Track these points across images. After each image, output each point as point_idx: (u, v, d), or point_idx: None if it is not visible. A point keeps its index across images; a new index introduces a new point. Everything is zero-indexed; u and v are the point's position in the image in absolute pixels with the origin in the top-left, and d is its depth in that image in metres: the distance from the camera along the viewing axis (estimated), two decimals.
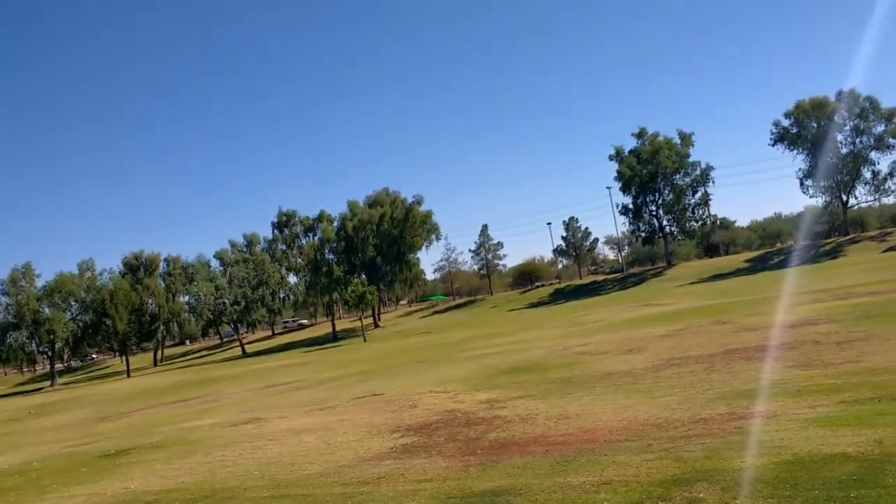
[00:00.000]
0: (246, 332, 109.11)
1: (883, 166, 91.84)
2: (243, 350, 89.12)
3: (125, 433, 21.57)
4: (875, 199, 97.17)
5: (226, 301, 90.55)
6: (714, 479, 7.53)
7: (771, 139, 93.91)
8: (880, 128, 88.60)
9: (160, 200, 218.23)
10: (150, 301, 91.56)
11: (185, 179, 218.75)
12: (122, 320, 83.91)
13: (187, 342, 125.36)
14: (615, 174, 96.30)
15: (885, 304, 23.17)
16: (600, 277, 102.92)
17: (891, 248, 71.64)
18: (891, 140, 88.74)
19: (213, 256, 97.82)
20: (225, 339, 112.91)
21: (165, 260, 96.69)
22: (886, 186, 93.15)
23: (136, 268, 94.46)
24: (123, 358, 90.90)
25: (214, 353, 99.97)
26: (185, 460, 13.99)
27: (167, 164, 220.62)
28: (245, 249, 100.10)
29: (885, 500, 6.24)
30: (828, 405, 10.48)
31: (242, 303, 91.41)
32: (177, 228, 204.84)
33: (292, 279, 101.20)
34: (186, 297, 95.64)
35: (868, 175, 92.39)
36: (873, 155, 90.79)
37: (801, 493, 6.70)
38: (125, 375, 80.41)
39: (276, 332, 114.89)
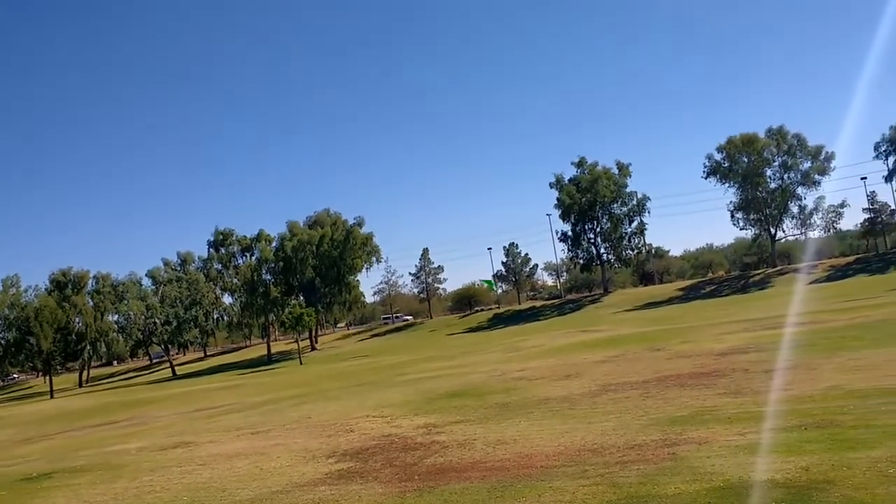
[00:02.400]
0: (177, 354, 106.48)
1: (809, 201, 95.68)
2: (174, 372, 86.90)
3: (48, 456, 20.74)
4: (801, 233, 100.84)
5: (157, 321, 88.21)
6: None
7: (704, 172, 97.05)
8: (807, 164, 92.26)
9: (91, 217, 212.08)
10: (77, 319, 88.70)
11: (119, 196, 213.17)
12: (46, 339, 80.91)
13: (115, 363, 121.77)
14: (555, 202, 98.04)
15: (810, 334, 23.94)
16: (539, 303, 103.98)
17: (815, 281, 74.21)
18: (816, 176, 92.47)
19: (146, 275, 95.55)
20: (154, 361, 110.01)
21: (94, 277, 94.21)
22: (812, 221, 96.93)
23: (64, 285, 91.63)
24: (47, 378, 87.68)
25: (143, 375, 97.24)
26: (111, 485, 13.52)
27: (100, 180, 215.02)
28: (179, 268, 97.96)
29: None
30: (757, 432, 10.72)
31: (174, 323, 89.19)
32: (109, 245, 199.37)
33: (227, 299, 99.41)
34: (116, 316, 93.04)
35: (795, 209, 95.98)
36: (800, 190, 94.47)
37: None
38: (48, 396, 77.41)
39: (208, 353, 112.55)
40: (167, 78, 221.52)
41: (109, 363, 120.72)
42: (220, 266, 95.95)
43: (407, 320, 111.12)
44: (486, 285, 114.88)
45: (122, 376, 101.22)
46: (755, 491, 7.68)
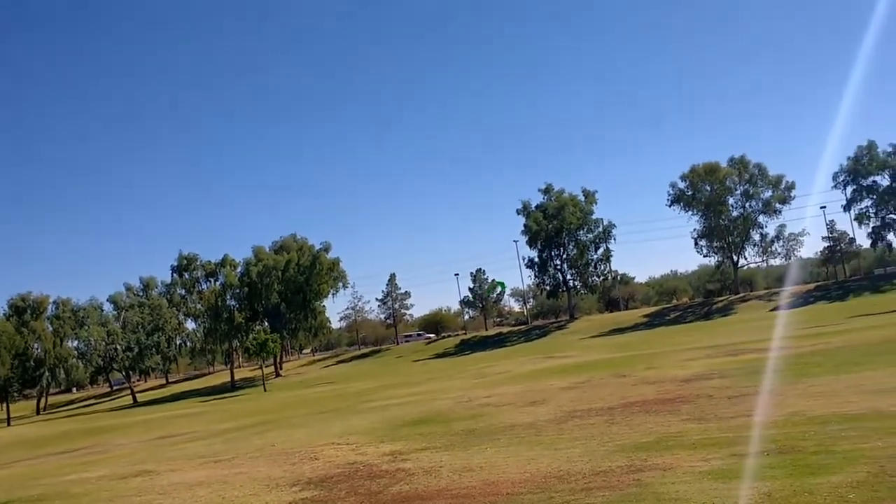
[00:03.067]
0: (138, 380, 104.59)
1: (770, 229, 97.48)
2: (134, 399, 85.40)
3: (5, 485, 20.16)
4: (763, 261, 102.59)
5: (118, 346, 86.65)
6: None
7: (668, 200, 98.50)
8: (768, 193, 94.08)
9: (52, 241, 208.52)
10: (35, 345, 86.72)
11: (82, 220, 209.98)
12: (3, 365, 79.00)
13: (74, 389, 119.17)
14: (522, 228, 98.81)
15: (772, 361, 24.25)
16: (506, 329, 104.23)
17: (777, 308, 75.42)
18: (777, 205, 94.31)
19: (107, 300, 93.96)
20: (115, 387, 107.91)
21: (54, 302, 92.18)
22: (773, 248, 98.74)
23: (23, 310, 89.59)
24: (4, 405, 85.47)
25: (103, 402, 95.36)
26: None
27: (61, 203, 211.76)
28: (141, 293, 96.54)
29: None
30: (721, 458, 10.79)
31: (136, 349, 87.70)
32: (70, 270, 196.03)
33: (190, 325, 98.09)
34: (76, 342, 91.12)
35: (757, 237, 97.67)
36: (761, 218, 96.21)
37: None
38: (5, 424, 75.51)
39: (170, 379, 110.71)
40: (130, 102, 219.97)
41: (69, 390, 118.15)
42: (183, 291, 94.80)
43: (429, 338, 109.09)
44: (498, 287, 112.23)
45: (82, 403, 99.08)
46: None
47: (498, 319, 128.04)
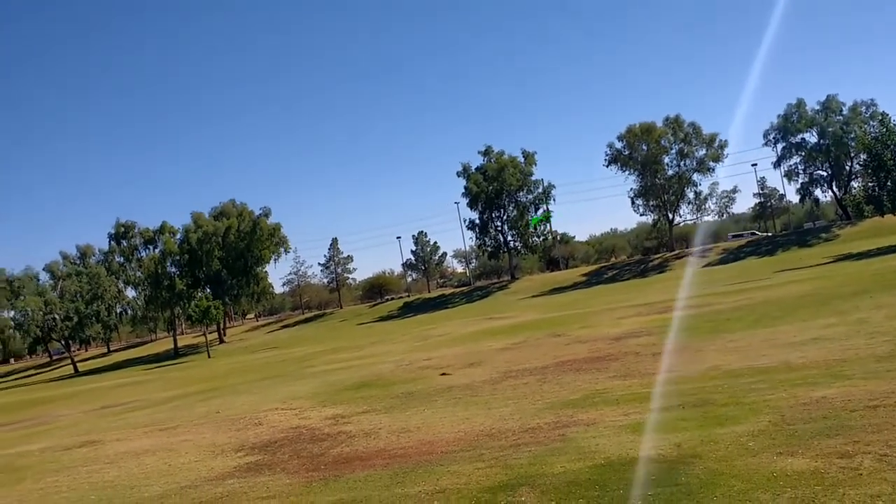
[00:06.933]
0: (79, 349, 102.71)
1: (704, 187, 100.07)
2: (75, 368, 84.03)
3: None
4: (697, 218, 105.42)
5: (56, 316, 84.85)
6: (535, 483, 8.29)
7: (605, 160, 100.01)
8: (702, 152, 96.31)
9: None
10: None
11: (14, 189, 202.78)
12: None
13: (12, 360, 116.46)
14: (463, 190, 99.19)
15: (697, 318, 25.42)
16: (448, 291, 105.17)
17: (709, 264, 77.88)
18: (711, 163, 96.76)
19: (43, 269, 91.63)
20: (55, 357, 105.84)
21: None
22: (707, 206, 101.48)
23: None
24: None
25: (43, 372, 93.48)
26: (14, 488, 13.36)
27: None
28: (78, 262, 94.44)
29: (676, 497, 7.17)
30: (640, 412, 11.59)
31: (75, 318, 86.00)
32: (3, 240, 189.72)
33: (131, 293, 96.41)
34: (12, 313, 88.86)
35: (691, 195, 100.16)
36: (696, 177, 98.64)
37: (608, 493, 7.57)
38: None
39: (111, 348, 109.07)
40: (65, 70, 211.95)
41: (6, 361, 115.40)
42: (121, 259, 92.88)
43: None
44: (542, 217, 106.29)
45: (20, 374, 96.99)
46: (631, 466, 8.45)
47: (441, 281, 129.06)
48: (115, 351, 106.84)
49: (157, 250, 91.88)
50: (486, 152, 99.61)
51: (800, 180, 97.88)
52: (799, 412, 9.93)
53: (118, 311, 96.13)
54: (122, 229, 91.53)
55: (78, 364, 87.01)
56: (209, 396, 26.40)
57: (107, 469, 13.93)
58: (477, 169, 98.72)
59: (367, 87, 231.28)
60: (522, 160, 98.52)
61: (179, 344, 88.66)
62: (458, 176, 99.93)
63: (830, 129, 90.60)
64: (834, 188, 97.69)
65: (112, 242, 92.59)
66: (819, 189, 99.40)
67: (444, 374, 20.79)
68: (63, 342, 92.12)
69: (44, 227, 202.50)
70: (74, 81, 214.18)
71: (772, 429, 9.28)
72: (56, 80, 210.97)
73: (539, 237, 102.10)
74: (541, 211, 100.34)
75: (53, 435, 22.04)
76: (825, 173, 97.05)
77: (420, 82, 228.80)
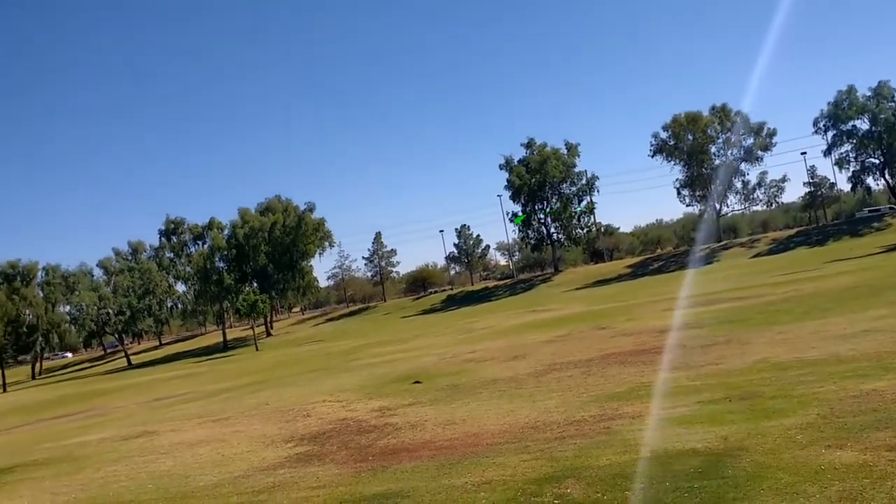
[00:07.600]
0: (131, 343, 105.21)
1: (752, 177, 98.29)
2: (129, 361, 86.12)
3: (7, 450, 20.72)
4: (745, 208, 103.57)
5: (110, 311, 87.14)
6: (581, 475, 8.33)
7: (650, 150, 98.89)
8: (749, 141, 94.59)
9: (40, 208, 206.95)
10: (27, 312, 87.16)
11: (68, 186, 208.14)
12: None
13: (69, 354, 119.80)
14: (505, 183, 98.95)
15: (745, 309, 25.10)
16: (491, 283, 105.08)
17: (758, 254, 76.56)
18: (759, 152, 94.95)
19: (96, 265, 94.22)
20: (109, 350, 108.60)
21: (44, 269, 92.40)
22: (755, 196, 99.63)
23: (13, 277, 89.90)
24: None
25: (98, 365, 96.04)
26: (76, 476, 13.82)
27: (48, 171, 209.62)
28: (130, 258, 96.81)
29: (723, 489, 7.16)
30: (686, 405, 11.54)
31: (128, 312, 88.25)
32: (59, 237, 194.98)
33: (181, 288, 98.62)
34: (67, 307, 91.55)
35: (739, 185, 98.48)
36: (743, 166, 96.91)
37: (654, 486, 7.58)
38: (1, 389, 76.17)
39: (163, 341, 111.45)
40: (116, 66, 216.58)
41: (63, 354, 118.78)
42: (171, 255, 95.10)
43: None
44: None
45: (76, 367, 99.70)
46: (677, 460, 8.45)
47: (484, 273, 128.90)
48: (167, 344, 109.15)
49: (205, 246, 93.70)
50: (529, 144, 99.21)
51: (851, 168, 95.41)
52: (848, 405, 9.80)
53: (169, 305, 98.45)
54: (172, 226, 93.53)
55: (131, 357, 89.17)
56: (258, 388, 26.88)
57: (162, 459, 14.33)
58: (519, 161, 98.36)
59: (410, 83, 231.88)
60: (565, 152, 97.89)
61: (228, 337, 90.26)
62: (501, 169, 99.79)
63: (882, 116, 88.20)
64: (886, 176, 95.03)
65: (162, 238, 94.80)
66: (871, 177, 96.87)
67: (416, 381, 20.19)
68: (116, 336, 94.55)
69: (98, 225, 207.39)
70: (123, 79, 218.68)
71: (820, 421, 9.18)
72: (104, 79, 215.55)
73: (582, 229, 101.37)
74: (584, 203, 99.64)
75: (110, 426, 22.67)
76: (877, 161, 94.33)
77: (462, 74, 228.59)
